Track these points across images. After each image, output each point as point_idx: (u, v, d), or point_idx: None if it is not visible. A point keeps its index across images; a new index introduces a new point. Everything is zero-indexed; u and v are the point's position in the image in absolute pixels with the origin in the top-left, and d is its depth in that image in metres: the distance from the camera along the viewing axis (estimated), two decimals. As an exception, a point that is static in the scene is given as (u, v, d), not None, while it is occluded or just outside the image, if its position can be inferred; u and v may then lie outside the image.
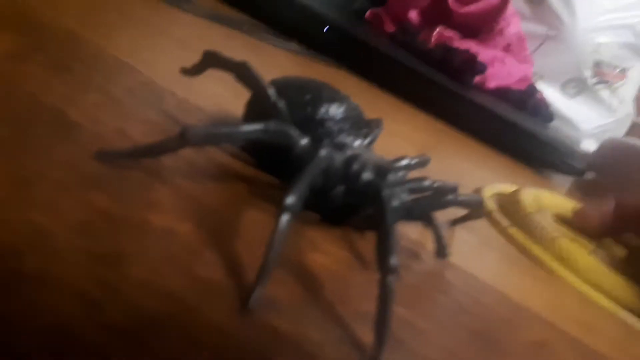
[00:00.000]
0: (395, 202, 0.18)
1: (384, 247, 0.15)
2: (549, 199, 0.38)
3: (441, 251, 0.22)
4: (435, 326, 0.17)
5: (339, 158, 0.19)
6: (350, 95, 0.23)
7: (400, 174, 0.21)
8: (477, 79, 0.62)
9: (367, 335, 0.15)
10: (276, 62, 0.43)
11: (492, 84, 0.66)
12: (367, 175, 0.19)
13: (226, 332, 0.12)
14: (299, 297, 0.15)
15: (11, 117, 0.16)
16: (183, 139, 0.16)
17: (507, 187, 0.39)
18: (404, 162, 0.22)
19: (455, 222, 0.28)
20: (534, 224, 0.32)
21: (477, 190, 0.35)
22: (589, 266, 0.30)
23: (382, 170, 0.20)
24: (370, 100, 0.48)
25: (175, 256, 0.14)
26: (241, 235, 0.17)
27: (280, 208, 0.15)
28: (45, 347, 0.10)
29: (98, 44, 0.25)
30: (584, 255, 0.30)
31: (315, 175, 0.17)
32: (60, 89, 0.19)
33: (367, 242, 0.20)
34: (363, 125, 0.22)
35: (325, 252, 0.18)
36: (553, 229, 0.32)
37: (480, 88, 0.64)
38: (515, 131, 0.56)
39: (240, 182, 0.20)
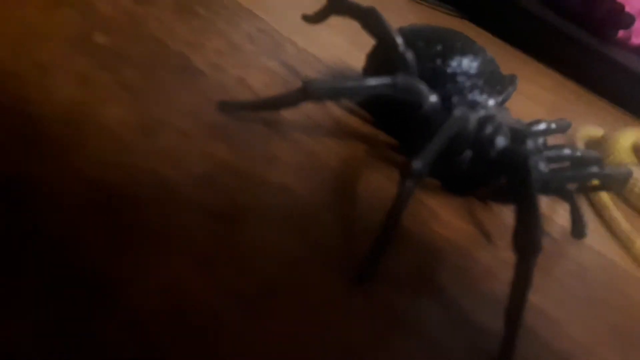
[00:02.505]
0: (535, 174, 0.16)
1: (528, 226, 0.13)
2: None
3: (579, 231, 0.20)
4: (569, 317, 0.15)
5: (471, 118, 0.17)
6: None
7: (540, 140, 0.18)
8: (622, 33, 0.55)
9: (490, 320, 0.13)
10: (399, 10, 0.41)
11: (638, 39, 0.58)
12: (501, 141, 0.17)
13: (338, 304, 0.12)
14: (415, 271, 0.14)
15: (139, 60, 0.16)
16: (305, 93, 0.15)
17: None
18: (542, 127, 0.19)
19: (588, 189, 0.24)
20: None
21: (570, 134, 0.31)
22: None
23: (520, 135, 0.17)
24: (495, 54, 0.44)
25: (291, 217, 0.13)
26: (358, 198, 0.16)
27: (406, 172, 0.14)
28: (161, 308, 0.09)
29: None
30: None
31: (448, 138, 0.15)
32: (185, 33, 0.19)
33: (492, 215, 0.19)
34: (497, 82, 0.20)
35: (446, 223, 0.17)
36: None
37: (624, 44, 0.56)
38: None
39: (357, 141, 0.18)
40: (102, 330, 0.08)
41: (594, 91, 0.49)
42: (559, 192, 0.19)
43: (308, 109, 0.18)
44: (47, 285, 0.09)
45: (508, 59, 0.45)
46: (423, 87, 0.17)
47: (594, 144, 0.32)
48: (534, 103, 0.36)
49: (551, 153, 0.19)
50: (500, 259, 0.16)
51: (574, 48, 0.49)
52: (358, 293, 0.12)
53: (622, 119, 0.46)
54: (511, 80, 0.21)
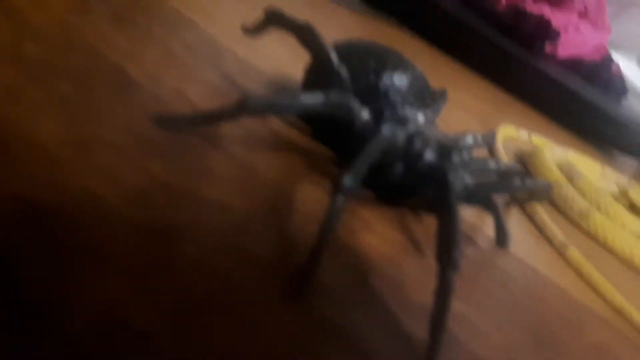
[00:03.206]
0: (459, 186, 0.17)
1: (447, 238, 0.14)
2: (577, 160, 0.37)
3: (502, 240, 0.21)
4: (491, 323, 0.16)
5: (401, 134, 0.18)
6: (408, 57, 0.21)
7: (465, 153, 0.19)
8: (548, 47, 0.58)
9: (418, 328, 0.14)
10: (336, 18, 0.41)
11: (564, 52, 0.61)
12: (429, 155, 0.18)
13: (273, 319, 0.12)
14: (349, 282, 0.15)
15: (74, 72, 0.16)
16: (243, 107, 0.15)
17: (521, 134, 0.37)
18: (469, 140, 0.21)
19: (513, 202, 0.26)
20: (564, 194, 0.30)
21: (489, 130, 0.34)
22: (623, 246, 0.28)
23: (446, 150, 0.18)
24: (431, 64, 0.46)
25: (227, 232, 0.14)
26: (295, 211, 0.16)
27: (336, 187, 0.14)
28: (94, 330, 0.09)
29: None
30: (617, 232, 0.29)
31: (375, 154, 0.16)
32: (122, 43, 0.19)
33: (422, 226, 0.20)
34: (427, 97, 0.21)
35: (379, 233, 0.18)
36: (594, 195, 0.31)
37: (551, 57, 0.60)
38: (584, 106, 0.53)
39: (295, 153, 0.19)
40: (36, 353, 0.08)
41: (523, 100, 0.52)
42: (484, 202, 0.20)
43: (246, 122, 0.18)
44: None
45: (442, 68, 0.47)
46: (355, 104, 0.18)
47: (521, 154, 0.34)
48: (466, 112, 0.38)
49: (476, 165, 0.20)
50: (429, 268, 0.17)
51: (504, 59, 0.52)
52: (293, 307, 0.13)
53: (547, 126, 0.49)
54: (441, 94, 0.23)
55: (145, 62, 0.18)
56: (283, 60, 0.25)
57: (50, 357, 0.09)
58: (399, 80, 0.20)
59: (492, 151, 0.31)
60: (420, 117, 0.20)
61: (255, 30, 0.21)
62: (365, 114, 0.18)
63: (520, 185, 0.21)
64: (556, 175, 0.31)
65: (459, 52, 0.50)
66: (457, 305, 0.16)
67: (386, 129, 0.17)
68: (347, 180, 0.14)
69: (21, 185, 0.11)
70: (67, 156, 0.13)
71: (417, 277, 0.17)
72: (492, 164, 0.21)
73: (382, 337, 0.13)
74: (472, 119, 0.38)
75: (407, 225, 0.19)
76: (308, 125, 0.21)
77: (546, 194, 0.24)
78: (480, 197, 0.20)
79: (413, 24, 0.50)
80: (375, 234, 0.17)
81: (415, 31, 0.50)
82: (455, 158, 0.18)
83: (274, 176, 0.17)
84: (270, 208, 0.15)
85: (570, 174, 0.33)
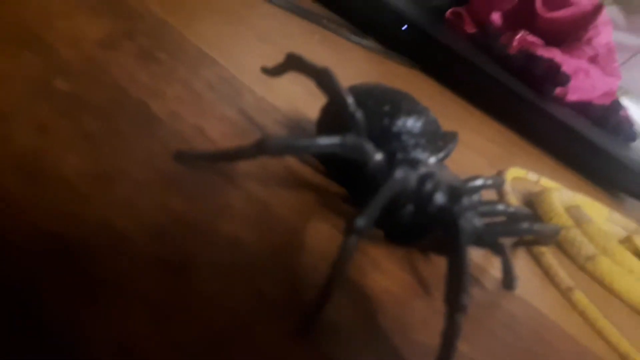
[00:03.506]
0: (469, 230, 0.18)
1: (456, 282, 0.14)
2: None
3: (509, 283, 0.21)
4: (496, 367, 0.16)
5: (412, 177, 0.19)
6: (421, 97, 0.22)
7: (475, 196, 0.20)
8: (558, 90, 0.59)
9: (425, 371, 0.14)
10: (352, 58, 0.43)
11: (573, 96, 0.62)
12: (440, 197, 0.19)
13: (282, 355, 0.12)
14: (357, 323, 0.15)
15: (99, 107, 0.17)
16: (261, 148, 0.16)
17: (530, 176, 0.38)
18: (478, 183, 0.21)
19: (520, 244, 0.26)
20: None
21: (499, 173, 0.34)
22: (629, 291, 0.28)
23: (456, 192, 0.19)
24: (442, 104, 0.46)
25: (242, 269, 0.14)
26: (307, 249, 0.16)
27: (349, 228, 0.15)
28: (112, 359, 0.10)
29: (182, 32, 0.25)
30: (623, 277, 0.29)
31: (388, 197, 0.16)
32: (146, 80, 0.20)
33: (431, 266, 0.20)
34: (439, 139, 0.22)
35: (387, 272, 0.18)
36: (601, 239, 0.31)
37: (560, 100, 0.61)
38: (593, 150, 0.53)
39: (310, 191, 0.19)
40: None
41: (533, 142, 0.52)
42: (492, 245, 0.20)
43: (263, 159, 0.19)
44: (3, 339, 0.09)
45: (454, 109, 0.48)
46: (369, 146, 0.18)
47: (529, 196, 0.35)
48: (476, 153, 0.39)
49: (485, 208, 0.20)
50: (436, 310, 0.17)
51: (515, 101, 0.53)
52: (302, 344, 0.13)
53: (556, 169, 0.50)
54: (452, 137, 0.23)
55: (167, 99, 0.19)
56: (300, 99, 0.26)
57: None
58: (412, 124, 0.20)
59: (501, 193, 0.32)
60: (432, 160, 0.20)
61: (275, 71, 0.22)
62: (378, 156, 0.18)
63: (528, 228, 0.21)
64: (564, 219, 0.32)
65: (470, 94, 0.51)
66: (462, 346, 0.16)
67: (399, 173, 0.17)
68: (360, 222, 0.15)
69: (45, 217, 0.12)
70: (91, 190, 0.13)
71: (424, 318, 0.17)
72: (500, 207, 0.21)
73: (389, 378, 0.14)
74: (482, 160, 0.39)
75: (415, 265, 0.19)
76: (323, 164, 0.21)
77: (553, 238, 0.24)
78: (489, 240, 0.20)
79: (427, 66, 0.51)
80: (384, 273, 0.18)
81: (429, 73, 0.51)
82: (465, 201, 0.19)
83: (288, 213, 0.18)
84: (283, 244, 0.16)
85: (578, 218, 0.33)
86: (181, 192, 0.15)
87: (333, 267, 0.14)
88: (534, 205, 0.34)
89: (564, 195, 0.36)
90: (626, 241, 0.34)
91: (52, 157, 0.13)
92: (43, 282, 0.10)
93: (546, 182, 0.39)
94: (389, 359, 0.14)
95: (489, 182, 0.22)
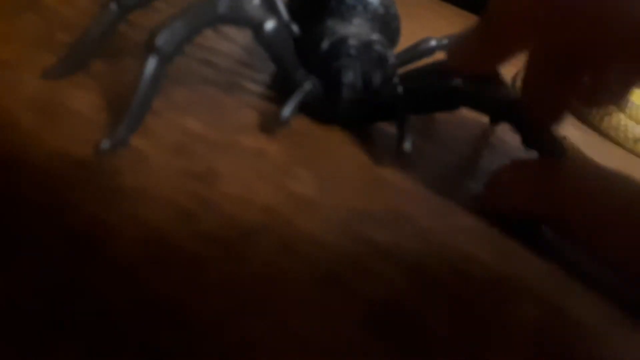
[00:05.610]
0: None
1: None
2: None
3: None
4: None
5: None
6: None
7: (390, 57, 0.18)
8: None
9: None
10: None
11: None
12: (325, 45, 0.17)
13: (321, 242, 0.12)
14: (394, 209, 0.15)
15: (102, 50, 0.17)
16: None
17: None
18: (433, 43, 0.21)
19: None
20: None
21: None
22: None
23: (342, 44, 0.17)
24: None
25: (267, 173, 0.14)
26: (327, 153, 0.16)
27: (148, 46, 0.12)
28: (145, 256, 0.10)
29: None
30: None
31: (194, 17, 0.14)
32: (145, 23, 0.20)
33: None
34: (390, 31, 0.20)
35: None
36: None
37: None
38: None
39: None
40: (83, 273, 0.09)
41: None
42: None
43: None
44: (36, 241, 0.09)
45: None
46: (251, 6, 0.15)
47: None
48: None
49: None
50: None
51: None
52: (340, 231, 0.13)
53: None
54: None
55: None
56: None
57: (96, 276, 0.09)
58: None
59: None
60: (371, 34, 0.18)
61: None
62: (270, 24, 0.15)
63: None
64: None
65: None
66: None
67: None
68: (160, 39, 0.12)
69: (64, 143, 0.12)
70: (105, 119, 0.14)
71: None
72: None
73: (431, 255, 0.13)
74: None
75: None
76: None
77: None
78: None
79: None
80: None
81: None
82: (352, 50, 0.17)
83: (305, 125, 0.17)
84: (305, 152, 0.16)
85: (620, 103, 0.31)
86: (197, 116, 0.15)
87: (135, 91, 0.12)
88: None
89: None
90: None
91: (60, 95, 0.14)
92: (68, 194, 0.11)
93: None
94: (431, 238, 0.14)
95: (444, 41, 0.21)
